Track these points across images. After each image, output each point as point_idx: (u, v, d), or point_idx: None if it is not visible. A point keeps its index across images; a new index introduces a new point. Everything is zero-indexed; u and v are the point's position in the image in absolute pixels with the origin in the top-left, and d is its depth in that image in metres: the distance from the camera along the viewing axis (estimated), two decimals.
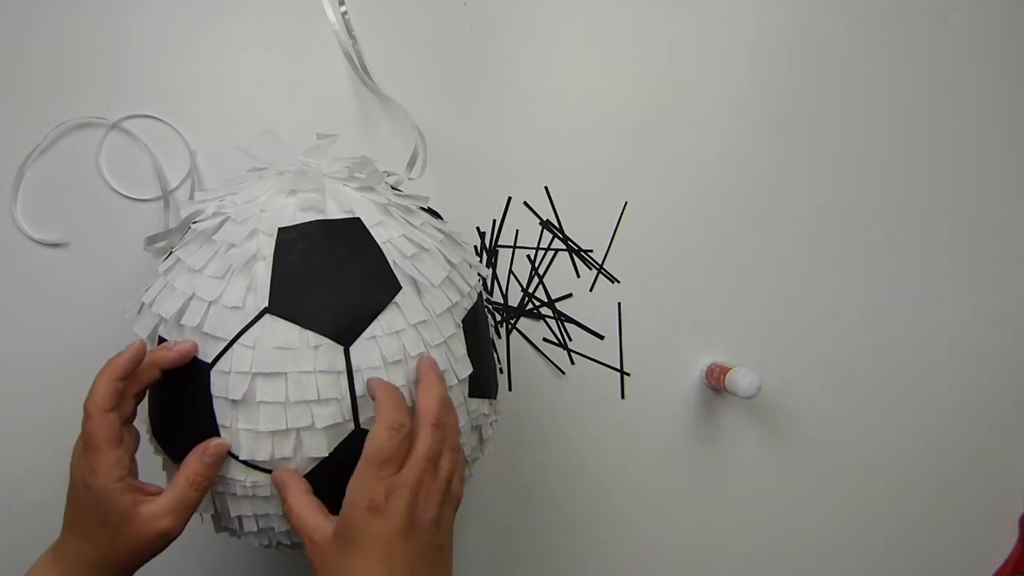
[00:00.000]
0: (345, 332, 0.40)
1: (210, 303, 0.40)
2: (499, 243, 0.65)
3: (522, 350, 0.65)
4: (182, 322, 0.40)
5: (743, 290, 0.67)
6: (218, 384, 0.40)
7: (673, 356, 0.66)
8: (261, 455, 0.40)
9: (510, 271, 0.65)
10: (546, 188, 0.65)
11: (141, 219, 0.60)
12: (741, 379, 0.59)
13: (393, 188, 0.50)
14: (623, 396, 0.66)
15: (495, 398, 0.50)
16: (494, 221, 0.64)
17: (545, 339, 0.65)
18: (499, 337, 0.65)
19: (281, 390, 0.39)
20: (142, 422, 0.46)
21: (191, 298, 0.41)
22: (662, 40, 0.65)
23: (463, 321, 0.45)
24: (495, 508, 0.65)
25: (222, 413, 0.40)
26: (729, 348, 0.67)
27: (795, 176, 0.67)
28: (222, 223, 0.43)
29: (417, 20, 0.63)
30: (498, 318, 0.65)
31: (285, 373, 0.39)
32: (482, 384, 0.47)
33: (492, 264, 0.65)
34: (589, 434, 0.66)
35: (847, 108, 0.67)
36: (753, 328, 0.67)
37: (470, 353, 0.45)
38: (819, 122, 0.67)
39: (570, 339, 0.65)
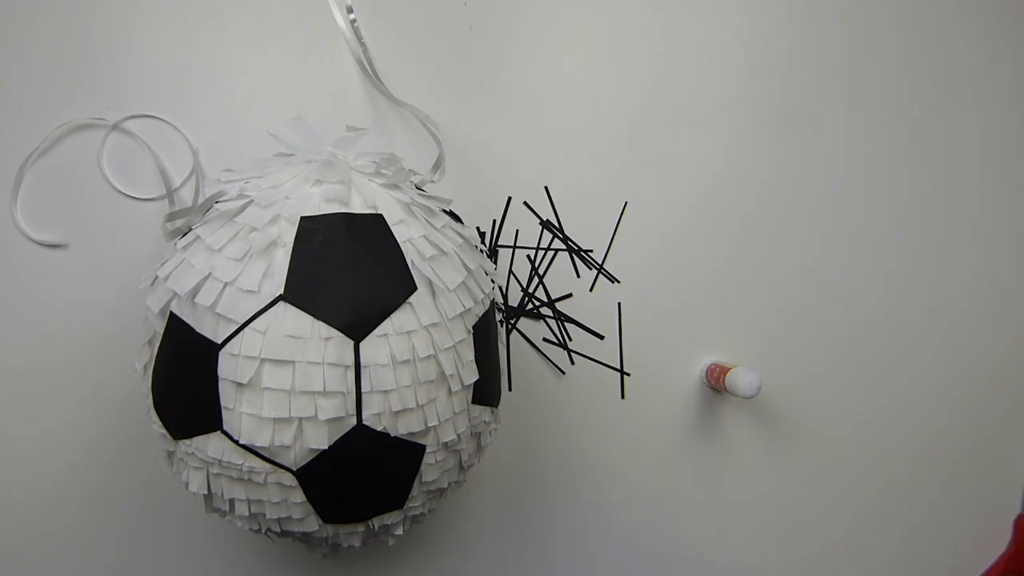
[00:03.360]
0: (357, 327, 0.40)
1: (226, 284, 0.40)
2: (499, 243, 0.65)
3: (522, 350, 0.65)
4: (196, 300, 0.40)
5: (743, 290, 0.67)
6: (226, 366, 0.40)
7: (673, 356, 0.66)
8: (261, 441, 0.40)
9: (510, 271, 0.65)
10: (546, 188, 0.65)
11: (143, 219, 0.60)
12: (741, 379, 0.59)
13: (417, 188, 0.50)
14: (623, 396, 0.66)
15: (496, 406, 0.51)
16: (494, 221, 0.65)
17: (545, 339, 0.65)
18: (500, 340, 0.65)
19: (288, 378, 0.39)
20: (144, 395, 0.46)
21: (207, 277, 0.41)
22: (662, 40, 0.65)
23: (474, 327, 0.46)
24: (494, 508, 0.65)
25: (226, 395, 0.40)
26: (729, 348, 0.67)
27: (795, 176, 0.67)
28: (245, 206, 0.43)
29: (416, 20, 0.63)
30: (499, 318, 0.65)
31: (293, 362, 0.39)
32: (486, 391, 0.47)
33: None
34: (589, 434, 0.66)
35: (847, 107, 0.68)
36: (753, 328, 0.67)
37: (478, 360, 0.46)
38: (819, 121, 0.67)
39: (570, 339, 0.65)
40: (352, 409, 0.40)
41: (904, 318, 0.69)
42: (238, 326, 0.40)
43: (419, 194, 0.47)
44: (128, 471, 0.60)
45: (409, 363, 0.41)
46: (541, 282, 0.65)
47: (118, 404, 0.60)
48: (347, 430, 0.40)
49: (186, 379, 0.42)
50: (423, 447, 0.43)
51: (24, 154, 0.59)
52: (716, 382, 0.63)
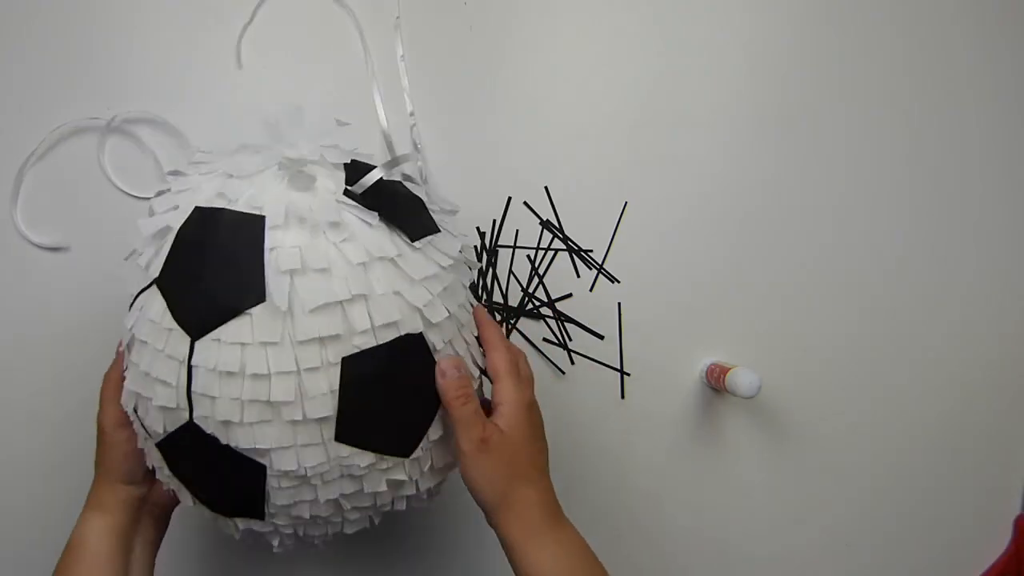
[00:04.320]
0: (197, 325, 0.40)
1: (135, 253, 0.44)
2: (499, 243, 0.65)
3: (522, 350, 0.65)
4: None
5: (743, 290, 0.67)
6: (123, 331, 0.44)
7: (673, 356, 0.66)
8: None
9: (510, 271, 0.65)
10: (546, 188, 0.65)
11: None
12: (741, 379, 0.59)
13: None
14: (623, 396, 0.66)
15: (401, 456, 0.43)
16: (494, 221, 0.65)
17: (545, 339, 0.65)
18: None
19: (144, 358, 0.41)
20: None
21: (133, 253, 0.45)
22: (662, 40, 0.65)
23: (350, 359, 0.40)
24: None
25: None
26: (729, 348, 0.67)
27: (795, 176, 0.67)
28: (162, 193, 0.45)
29: (416, 20, 0.63)
30: (498, 318, 0.65)
31: (147, 343, 0.41)
32: (369, 435, 0.42)
33: (492, 264, 0.65)
34: (589, 434, 0.66)
35: (847, 107, 0.68)
36: (753, 328, 0.67)
37: (357, 398, 0.40)
38: (819, 121, 0.67)
39: (570, 339, 0.65)
40: (184, 403, 0.40)
41: (904, 318, 0.69)
42: (133, 297, 0.43)
43: (339, 199, 0.42)
44: None
45: (236, 376, 0.39)
46: (541, 282, 0.65)
47: None
48: (180, 424, 0.41)
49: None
50: (263, 466, 0.41)
51: (24, 155, 0.59)
52: (716, 382, 0.63)
